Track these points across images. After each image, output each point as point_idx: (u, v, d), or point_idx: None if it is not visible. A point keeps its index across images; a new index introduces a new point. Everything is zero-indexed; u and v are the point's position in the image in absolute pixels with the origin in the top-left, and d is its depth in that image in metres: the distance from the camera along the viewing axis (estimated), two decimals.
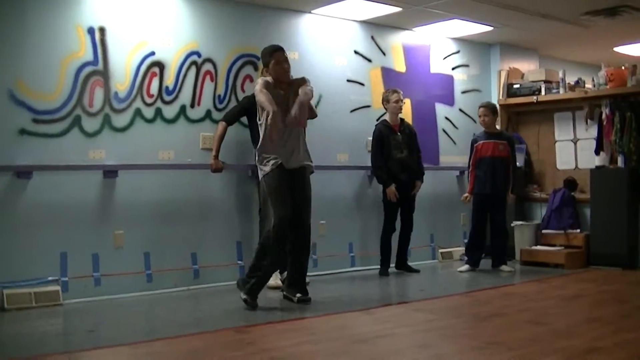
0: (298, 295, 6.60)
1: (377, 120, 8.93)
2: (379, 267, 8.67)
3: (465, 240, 9.45)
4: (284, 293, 6.76)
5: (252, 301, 6.31)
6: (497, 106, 9.31)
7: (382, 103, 8.63)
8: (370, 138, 8.73)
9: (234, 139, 7.60)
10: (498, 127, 9.25)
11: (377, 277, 8.39)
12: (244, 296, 6.34)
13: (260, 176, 6.52)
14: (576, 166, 9.88)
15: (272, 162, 6.36)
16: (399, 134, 8.49)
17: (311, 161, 6.65)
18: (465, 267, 8.77)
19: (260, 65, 7.76)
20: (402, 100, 8.51)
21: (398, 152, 8.46)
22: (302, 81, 6.56)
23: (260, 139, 6.46)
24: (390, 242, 8.65)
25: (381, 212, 8.74)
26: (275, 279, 7.29)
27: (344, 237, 8.70)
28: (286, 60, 6.53)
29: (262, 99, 6.24)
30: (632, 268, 8.67)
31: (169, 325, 5.79)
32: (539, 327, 5.44)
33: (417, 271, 8.63)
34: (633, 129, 8.85)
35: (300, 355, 4.69)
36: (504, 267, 8.80)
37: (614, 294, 7.13)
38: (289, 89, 6.52)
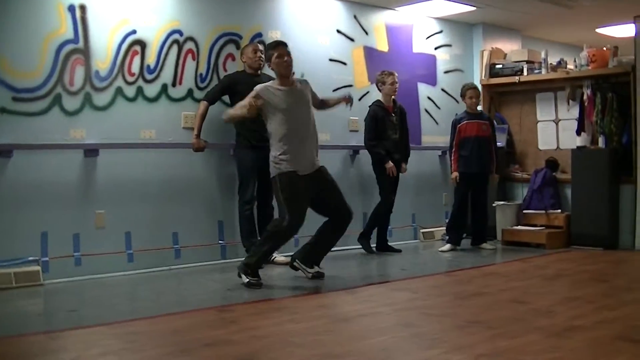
0: (317, 269, 6.77)
1: (360, 99, 8.94)
2: (360, 246, 8.71)
3: (447, 220, 9.47)
4: (295, 263, 6.84)
5: (258, 279, 6.39)
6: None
7: (377, 85, 8.64)
8: (353, 118, 8.76)
9: (216, 118, 7.55)
10: (479, 107, 9.27)
11: (358, 256, 8.41)
12: (246, 280, 6.36)
13: (273, 171, 6.48)
14: (558, 146, 9.91)
15: (286, 164, 6.40)
16: (393, 115, 8.49)
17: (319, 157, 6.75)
18: (447, 246, 8.80)
19: (243, 43, 7.80)
20: (397, 82, 8.50)
21: (392, 132, 8.49)
22: (306, 83, 6.78)
23: (274, 140, 6.48)
24: (387, 219, 8.76)
25: (365, 192, 8.79)
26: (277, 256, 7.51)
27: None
28: (288, 54, 6.56)
29: (232, 112, 6.60)
30: (612, 248, 8.72)
31: (150, 304, 5.79)
32: (520, 306, 5.46)
33: (398, 251, 8.65)
34: (614, 109, 8.88)
35: (282, 334, 4.69)
36: (485, 245, 8.88)
37: (595, 274, 7.16)
38: (292, 85, 6.58)
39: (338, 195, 6.66)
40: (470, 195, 8.91)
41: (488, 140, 8.84)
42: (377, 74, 8.69)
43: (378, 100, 8.57)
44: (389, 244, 8.77)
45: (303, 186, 6.40)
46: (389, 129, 8.46)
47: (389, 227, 8.88)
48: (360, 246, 8.68)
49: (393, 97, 8.55)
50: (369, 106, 8.62)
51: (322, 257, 6.89)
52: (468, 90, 8.90)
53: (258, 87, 6.49)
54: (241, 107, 6.41)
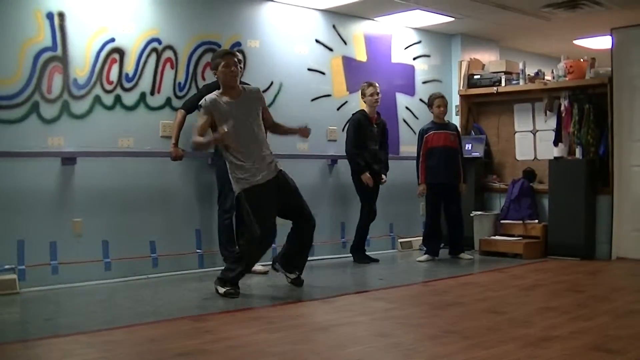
0: (297, 274, 6.83)
1: (338, 109, 8.99)
2: (341, 256, 8.80)
3: (424, 230, 9.51)
4: (276, 266, 6.90)
5: (236, 289, 6.38)
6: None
7: (361, 96, 8.67)
8: (332, 127, 8.81)
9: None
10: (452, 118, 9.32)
11: (336, 266, 8.43)
12: (222, 290, 6.36)
13: (236, 188, 6.44)
14: (535, 157, 9.96)
15: (245, 181, 6.34)
16: (375, 126, 8.53)
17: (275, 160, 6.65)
18: (425, 257, 8.82)
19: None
20: (378, 94, 8.50)
21: (372, 143, 8.52)
22: (257, 93, 6.62)
23: (226, 152, 6.42)
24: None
25: (343, 201, 8.83)
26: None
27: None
28: (235, 64, 6.42)
29: (198, 140, 6.34)
30: (589, 258, 8.77)
31: (127, 313, 5.75)
32: (496, 316, 5.48)
33: (376, 260, 8.65)
34: (591, 121, 8.94)
35: (258, 343, 4.69)
36: (463, 255, 8.91)
37: (571, 284, 7.19)
38: (239, 96, 6.45)
39: (299, 198, 6.59)
40: (442, 206, 8.93)
41: (455, 151, 8.86)
42: (361, 85, 8.73)
43: (363, 110, 8.59)
44: (367, 253, 8.76)
45: (267, 195, 6.35)
46: (370, 139, 8.49)
47: (367, 236, 8.87)
48: (354, 259, 8.69)
49: (376, 109, 8.56)
50: (353, 114, 8.64)
51: (302, 263, 6.86)
52: (436, 99, 8.89)
53: (204, 101, 6.37)
54: (206, 140, 6.32)
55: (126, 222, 7.30)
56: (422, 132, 8.92)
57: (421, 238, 9.62)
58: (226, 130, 6.06)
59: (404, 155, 9.81)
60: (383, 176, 8.64)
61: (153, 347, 4.62)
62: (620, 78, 8.77)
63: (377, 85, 8.53)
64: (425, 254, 8.90)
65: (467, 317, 5.55)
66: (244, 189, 6.34)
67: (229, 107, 6.33)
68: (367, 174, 8.40)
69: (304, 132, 6.80)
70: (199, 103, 6.48)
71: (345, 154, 8.64)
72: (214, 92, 6.46)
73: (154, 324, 5.29)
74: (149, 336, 4.91)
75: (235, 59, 6.48)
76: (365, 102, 8.57)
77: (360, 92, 8.70)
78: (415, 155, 9.00)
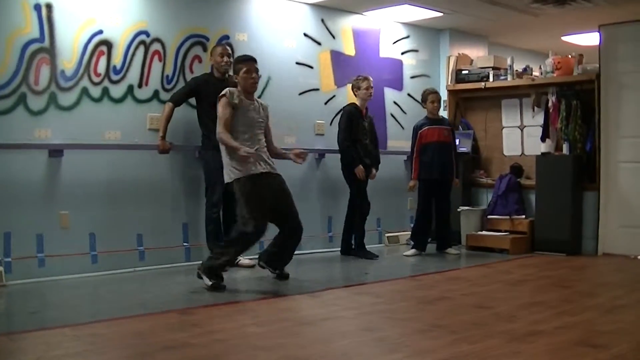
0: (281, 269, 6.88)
1: (325, 103, 9.00)
2: (328, 250, 8.85)
3: (412, 225, 9.52)
4: (261, 263, 6.91)
5: (220, 281, 6.37)
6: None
7: (352, 89, 8.67)
8: (319, 121, 8.84)
9: (182, 120, 7.55)
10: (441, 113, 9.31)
11: (323, 260, 8.46)
12: (209, 282, 6.33)
13: (227, 177, 6.51)
14: (522, 152, 9.99)
15: (245, 168, 6.39)
16: (365, 120, 8.53)
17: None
18: (412, 251, 8.83)
19: (210, 46, 7.78)
20: (372, 88, 8.52)
21: (364, 137, 8.52)
22: (267, 110, 6.80)
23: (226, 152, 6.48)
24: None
25: (330, 195, 8.88)
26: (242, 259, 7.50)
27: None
28: (257, 71, 6.63)
29: (226, 140, 6.38)
30: (575, 254, 8.81)
31: (113, 306, 5.74)
32: (483, 311, 5.50)
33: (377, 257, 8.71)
34: (578, 117, 8.96)
35: (245, 337, 4.70)
36: (450, 250, 8.93)
37: (557, 279, 7.22)
38: (254, 102, 6.67)
39: (291, 204, 6.65)
40: (433, 201, 8.94)
41: (449, 146, 8.88)
42: (353, 78, 8.72)
43: (354, 103, 8.59)
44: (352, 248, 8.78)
45: (262, 186, 6.41)
46: (361, 133, 8.49)
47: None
48: (359, 255, 8.67)
49: (367, 101, 8.57)
50: (344, 107, 8.66)
51: (284, 264, 6.91)
52: (430, 94, 8.90)
53: (229, 92, 6.49)
54: (235, 146, 6.32)
55: (113, 215, 7.29)
56: (417, 128, 8.92)
57: (408, 233, 9.63)
58: (250, 154, 6.24)
59: (391, 150, 9.82)
60: (373, 170, 8.64)
61: (139, 340, 4.62)
62: (608, 74, 8.80)
63: (371, 79, 8.53)
64: (412, 248, 8.91)
65: (454, 311, 5.56)
66: (237, 178, 6.38)
67: (247, 104, 6.54)
68: (361, 167, 8.42)
69: (300, 155, 6.78)
70: (222, 93, 6.51)
71: (334, 148, 8.67)
72: (236, 90, 6.58)
73: (140, 317, 5.28)
74: (135, 329, 4.91)
75: (256, 66, 6.66)
76: (357, 95, 8.56)
77: (352, 85, 8.68)
78: (405, 150, 9.03)
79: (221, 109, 6.45)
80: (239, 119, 6.45)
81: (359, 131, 8.48)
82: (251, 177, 6.38)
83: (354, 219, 8.68)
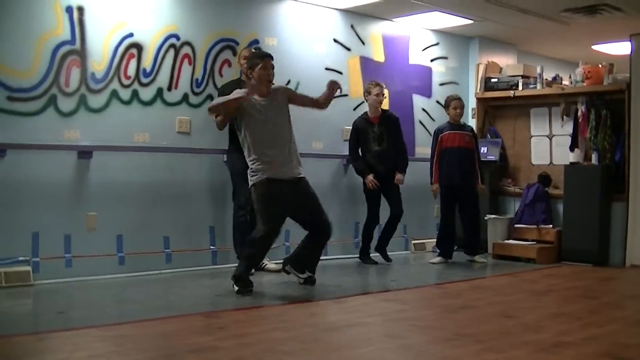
0: (308, 274, 6.85)
1: (354, 109, 9.00)
2: (353, 256, 8.84)
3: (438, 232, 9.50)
4: (287, 268, 6.92)
5: (246, 287, 6.36)
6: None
7: (364, 94, 8.66)
8: (347, 127, 8.80)
9: (211, 124, 7.54)
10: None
11: (349, 266, 8.43)
12: (235, 288, 6.35)
13: (250, 181, 6.52)
14: (551, 162, 9.93)
15: (262, 173, 6.40)
16: (376, 126, 8.49)
17: (301, 167, 6.70)
18: (438, 259, 8.81)
19: (240, 49, 7.80)
20: (383, 94, 8.51)
21: (375, 144, 8.49)
22: (283, 88, 6.77)
23: (247, 150, 6.51)
24: (372, 232, 8.71)
25: (357, 201, 8.86)
26: (269, 264, 7.53)
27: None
28: (273, 67, 6.60)
29: (215, 102, 6.62)
30: (602, 264, 8.75)
31: (139, 308, 5.77)
32: (508, 321, 5.47)
33: (389, 260, 8.66)
34: (608, 127, 8.91)
35: (270, 341, 4.69)
36: (477, 258, 8.87)
37: (584, 290, 7.18)
38: (269, 98, 6.57)
39: (317, 208, 6.66)
40: (458, 208, 8.90)
41: (470, 152, 8.82)
42: (366, 83, 8.74)
43: (365, 113, 8.62)
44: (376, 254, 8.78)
45: (279, 194, 6.40)
46: (371, 140, 8.49)
47: (371, 239, 8.85)
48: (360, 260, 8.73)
49: (379, 107, 8.55)
50: (355, 119, 8.69)
51: (313, 265, 6.91)
52: (452, 101, 8.87)
53: (240, 91, 6.54)
54: (225, 101, 6.49)
55: (140, 217, 7.33)
56: (437, 132, 8.91)
57: (434, 240, 9.61)
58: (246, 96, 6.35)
59: (419, 157, 9.77)
60: (398, 175, 8.60)
61: (165, 342, 4.64)
62: (639, 84, 8.72)
63: (383, 85, 8.54)
64: (438, 255, 8.88)
65: (479, 320, 5.54)
66: (255, 182, 6.40)
67: (261, 105, 6.49)
68: (370, 177, 8.41)
69: (333, 86, 6.73)
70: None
71: None
72: (243, 90, 6.61)
73: (166, 319, 5.29)
74: (160, 331, 4.92)
75: (273, 62, 6.62)
76: (367, 100, 8.57)
77: (364, 90, 8.68)
78: (428, 157, 9.01)
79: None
80: (251, 125, 6.46)
81: (368, 139, 8.50)
82: (267, 184, 6.37)
83: (393, 223, 8.71)
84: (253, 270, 7.34)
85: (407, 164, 8.72)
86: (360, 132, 8.50)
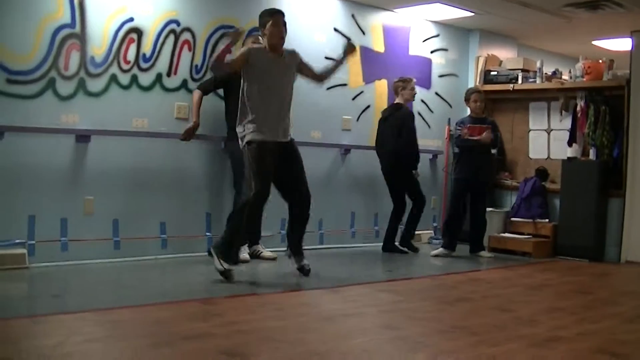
0: (303, 263, 6.73)
1: (353, 99, 9.03)
2: (349, 245, 8.93)
3: (435, 224, 9.51)
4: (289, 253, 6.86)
5: (230, 270, 6.25)
6: None
7: (396, 89, 8.80)
8: (345, 117, 8.82)
9: (209, 110, 7.55)
10: None
11: (344, 255, 8.47)
12: (220, 266, 6.25)
13: (241, 143, 6.46)
14: (548, 156, 9.94)
15: (258, 133, 6.32)
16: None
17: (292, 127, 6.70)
18: (440, 250, 8.72)
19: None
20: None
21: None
22: (295, 53, 6.71)
23: (246, 107, 6.42)
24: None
25: (354, 192, 8.91)
26: (243, 253, 7.32)
27: (315, 215, 8.65)
28: (285, 24, 6.54)
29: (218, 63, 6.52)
30: (598, 260, 8.76)
31: (135, 293, 5.77)
32: (503, 314, 5.48)
33: (416, 250, 8.94)
34: (607, 122, 8.91)
35: (266, 329, 4.69)
36: (483, 253, 8.83)
37: (579, 285, 7.19)
38: (279, 57, 6.52)
39: (301, 174, 6.57)
40: (469, 203, 8.84)
41: (488, 147, 8.78)
42: (395, 80, 8.84)
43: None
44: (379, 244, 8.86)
45: (271, 156, 6.30)
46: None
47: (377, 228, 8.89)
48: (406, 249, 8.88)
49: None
50: (411, 111, 8.94)
51: (299, 246, 6.76)
52: (472, 94, 8.82)
53: (250, 47, 6.54)
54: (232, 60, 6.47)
55: (137, 203, 7.32)
56: (461, 123, 8.81)
57: (431, 232, 9.63)
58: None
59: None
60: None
61: (160, 328, 4.63)
62: (639, 81, 8.72)
63: (414, 80, 8.82)
64: (441, 247, 8.79)
65: (475, 313, 5.55)
66: (250, 140, 6.32)
67: (271, 63, 6.43)
68: None
69: (349, 50, 6.81)
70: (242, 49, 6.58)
71: (360, 143, 9.08)
72: (259, 46, 6.62)
73: (161, 305, 5.28)
74: (156, 317, 4.92)
75: (284, 19, 6.55)
76: (404, 95, 8.69)
77: (396, 86, 8.78)
78: (431, 148, 9.07)
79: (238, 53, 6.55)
80: (261, 74, 6.38)
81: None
82: (261, 145, 6.28)
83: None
84: (248, 257, 7.36)
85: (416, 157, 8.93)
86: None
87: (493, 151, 9.40)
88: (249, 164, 6.37)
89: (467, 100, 8.88)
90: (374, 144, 8.88)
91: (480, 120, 8.79)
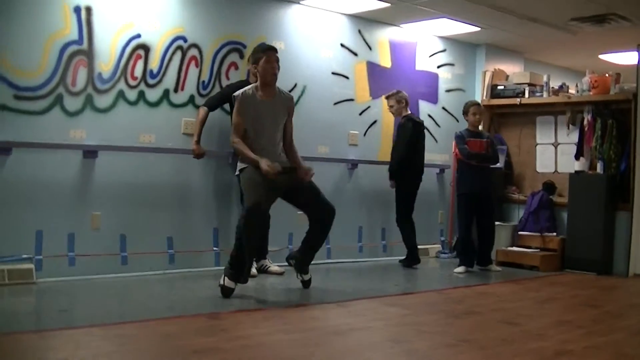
0: (304, 277, 6.79)
1: (360, 114, 9.05)
2: (357, 260, 9.00)
3: (442, 238, 9.49)
4: (290, 261, 6.92)
5: (230, 287, 6.21)
6: None
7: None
8: (353, 132, 9.04)
9: (216, 125, 7.58)
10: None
11: (351, 270, 8.46)
12: (222, 282, 6.23)
13: (237, 170, 6.49)
14: (555, 170, 9.92)
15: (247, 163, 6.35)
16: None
17: None
18: (461, 268, 8.59)
19: (247, 53, 7.79)
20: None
21: None
22: (290, 102, 6.65)
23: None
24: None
25: (361, 206, 8.97)
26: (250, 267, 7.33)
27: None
28: (277, 61, 6.46)
29: (241, 150, 6.35)
30: (606, 273, 8.73)
31: (142, 308, 5.78)
32: (512, 328, 5.46)
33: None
34: (614, 136, 8.89)
35: (273, 344, 4.69)
36: (492, 267, 8.78)
37: (587, 299, 7.17)
38: (274, 97, 6.50)
39: (315, 189, 6.51)
40: (475, 217, 8.74)
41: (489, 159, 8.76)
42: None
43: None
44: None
45: (267, 179, 6.17)
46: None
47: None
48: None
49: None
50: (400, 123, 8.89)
51: (311, 256, 6.77)
52: (471, 107, 8.74)
53: (240, 95, 6.41)
54: (252, 158, 6.27)
55: (144, 218, 7.32)
56: (462, 136, 8.67)
57: (438, 246, 9.62)
58: (272, 169, 6.12)
59: (424, 164, 9.76)
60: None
61: (167, 343, 4.63)
62: None
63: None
64: (460, 265, 8.65)
65: (482, 327, 5.53)
66: (240, 168, 6.36)
67: (261, 106, 6.40)
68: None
69: (304, 173, 6.50)
70: (234, 94, 6.49)
71: (367, 158, 9.16)
72: (251, 86, 6.51)
73: (169, 319, 5.29)
74: (163, 332, 4.92)
75: (277, 56, 6.48)
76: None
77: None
78: (438, 163, 9.08)
79: (234, 115, 6.45)
80: (252, 120, 6.38)
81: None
82: (251, 168, 6.26)
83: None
84: (255, 272, 7.35)
85: (390, 168, 8.87)
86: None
87: (499, 165, 9.38)
88: (242, 186, 6.41)
89: (465, 113, 8.79)
90: (380, 159, 8.89)
91: (478, 134, 8.77)
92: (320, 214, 6.53)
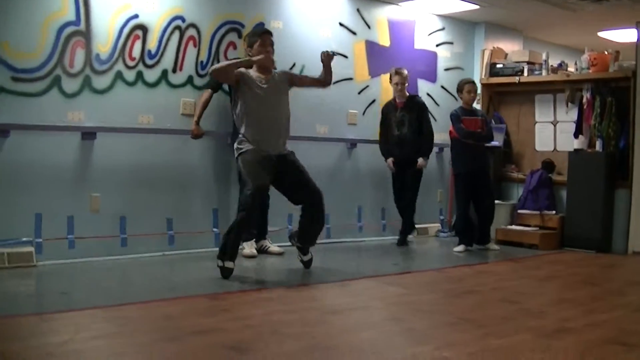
0: (304, 257, 6.82)
1: (359, 93, 9.04)
2: (356, 239, 9.01)
3: (442, 217, 9.49)
4: (293, 241, 6.87)
5: (225, 265, 6.19)
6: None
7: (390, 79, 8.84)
8: (352, 111, 9.01)
9: (215, 105, 7.56)
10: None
11: (351, 249, 8.48)
12: (219, 264, 6.23)
13: (235, 154, 6.53)
14: (555, 148, 9.92)
15: (248, 145, 6.39)
16: (399, 111, 8.65)
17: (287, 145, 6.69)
18: (461, 247, 8.59)
19: (245, 32, 7.76)
20: (402, 84, 8.66)
21: (396, 129, 8.64)
22: (284, 73, 6.75)
23: (240, 122, 6.51)
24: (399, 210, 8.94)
25: (360, 186, 9.01)
26: (250, 248, 7.33)
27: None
28: (272, 44, 6.57)
29: (225, 64, 6.53)
30: (605, 251, 8.73)
31: (143, 290, 5.79)
32: (511, 306, 5.47)
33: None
34: (613, 114, 8.88)
35: (274, 324, 4.70)
36: (491, 246, 8.76)
37: (586, 277, 7.18)
38: (269, 77, 6.56)
39: (303, 178, 6.53)
40: (474, 195, 8.69)
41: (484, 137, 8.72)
42: (390, 68, 8.88)
43: (393, 97, 8.79)
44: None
45: (265, 161, 6.31)
46: (394, 125, 8.63)
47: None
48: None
49: (405, 94, 8.73)
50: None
51: (313, 240, 6.80)
52: (466, 84, 8.68)
53: (239, 72, 6.45)
54: (232, 63, 6.46)
55: (144, 199, 7.32)
56: (457, 115, 8.61)
57: (437, 225, 9.62)
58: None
59: None
60: (420, 161, 8.68)
61: (169, 324, 4.64)
62: None
63: (403, 73, 8.65)
64: (460, 244, 8.64)
65: (482, 305, 5.55)
66: (240, 152, 6.41)
67: (260, 83, 6.47)
68: (389, 161, 8.66)
69: (327, 56, 6.75)
70: (235, 71, 6.49)
71: (366, 137, 9.06)
72: (249, 70, 6.54)
73: (169, 301, 5.30)
74: (164, 313, 4.93)
75: (272, 39, 6.59)
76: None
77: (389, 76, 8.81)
78: (437, 142, 9.02)
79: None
80: (247, 102, 6.44)
81: (390, 124, 8.67)
82: (251, 151, 6.35)
83: (399, 208, 8.97)
84: (255, 252, 7.37)
85: (430, 149, 8.84)
86: (385, 116, 8.74)
87: (497, 143, 9.37)
88: (242, 170, 6.46)
89: (460, 90, 8.74)
90: (380, 138, 8.88)
91: (472, 112, 8.72)
92: (307, 198, 6.57)
